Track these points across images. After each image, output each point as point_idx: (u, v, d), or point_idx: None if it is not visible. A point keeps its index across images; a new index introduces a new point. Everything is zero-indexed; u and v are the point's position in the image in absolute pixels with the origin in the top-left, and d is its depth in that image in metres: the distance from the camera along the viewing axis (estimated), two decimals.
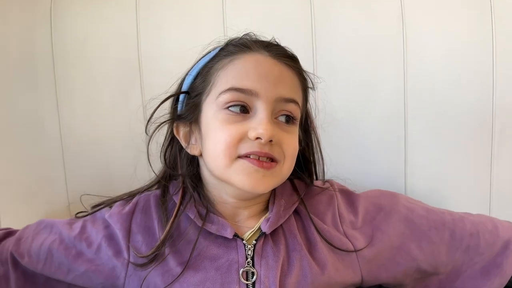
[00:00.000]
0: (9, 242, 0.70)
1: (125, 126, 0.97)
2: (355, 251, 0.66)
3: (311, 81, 0.70)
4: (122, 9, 0.97)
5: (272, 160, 0.62)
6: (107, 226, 0.68)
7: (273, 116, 0.62)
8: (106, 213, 0.70)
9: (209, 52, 0.69)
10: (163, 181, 0.70)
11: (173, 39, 0.97)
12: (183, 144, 0.68)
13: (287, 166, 0.64)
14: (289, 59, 0.65)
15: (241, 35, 0.69)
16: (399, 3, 0.97)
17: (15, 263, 0.68)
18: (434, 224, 0.70)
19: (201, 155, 0.66)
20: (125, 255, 0.65)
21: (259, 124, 0.60)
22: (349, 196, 0.71)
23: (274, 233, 0.65)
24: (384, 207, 0.70)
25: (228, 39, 0.69)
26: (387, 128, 0.99)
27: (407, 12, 0.97)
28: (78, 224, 0.69)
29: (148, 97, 0.96)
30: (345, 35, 0.98)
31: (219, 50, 0.67)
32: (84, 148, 0.98)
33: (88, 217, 0.71)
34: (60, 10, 0.96)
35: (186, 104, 0.67)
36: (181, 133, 0.68)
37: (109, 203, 0.72)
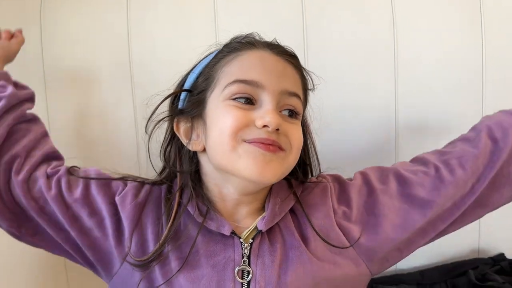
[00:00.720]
0: (22, 137, 0.68)
1: (116, 128, 0.97)
2: (351, 245, 0.66)
3: (311, 80, 0.72)
4: (113, 10, 0.97)
5: (279, 148, 0.62)
6: (113, 203, 0.66)
7: (277, 110, 0.63)
8: (117, 190, 0.67)
9: (212, 52, 0.70)
10: (166, 181, 0.69)
11: (165, 41, 0.97)
12: (184, 140, 0.67)
13: (294, 156, 0.64)
14: (290, 57, 0.67)
15: (245, 34, 0.70)
16: (390, 9, 0.97)
17: (9, 169, 0.65)
18: (433, 186, 0.68)
19: (203, 150, 0.66)
20: (127, 244, 0.64)
21: (265, 113, 0.60)
22: (342, 186, 0.71)
23: (270, 231, 0.65)
24: (375, 188, 0.69)
25: (232, 37, 0.70)
26: (379, 132, 1.00)
27: (398, 18, 0.98)
28: (79, 184, 0.66)
29: (139, 99, 0.96)
30: (336, 40, 0.98)
31: (223, 47, 0.68)
32: (73, 151, 0.97)
33: (92, 181, 0.67)
34: (50, 13, 0.96)
35: (189, 101, 0.67)
36: (181, 130, 0.68)
37: (120, 179, 0.69)
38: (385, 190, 0.69)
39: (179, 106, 0.69)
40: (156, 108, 0.67)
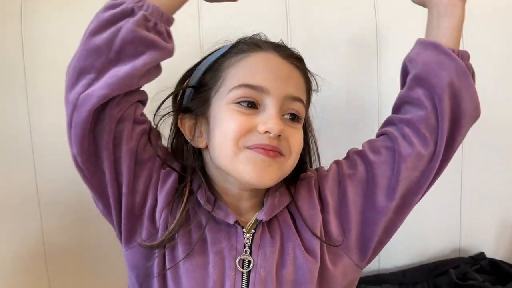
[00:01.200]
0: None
1: None
2: (337, 245, 0.67)
3: (316, 82, 0.73)
4: (95, 10, 0.95)
5: (279, 153, 0.63)
6: (160, 174, 0.66)
7: (280, 114, 0.64)
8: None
9: (218, 49, 0.70)
10: (180, 172, 0.68)
11: None
12: (188, 137, 0.68)
13: (292, 161, 0.66)
14: (296, 60, 0.68)
15: (252, 34, 0.71)
16: (373, 12, 0.98)
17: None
18: (394, 163, 0.68)
19: (206, 147, 0.67)
20: (157, 222, 0.65)
21: (268, 119, 0.62)
22: (320, 178, 0.72)
23: (270, 224, 0.67)
24: (345, 175, 0.70)
25: (238, 38, 0.71)
26: (362, 129, 1.00)
27: (380, 19, 0.98)
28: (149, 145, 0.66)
29: None
30: (321, 37, 0.99)
31: (230, 48, 0.69)
32: (55, 152, 0.96)
33: (160, 147, 0.67)
34: (31, 10, 0.94)
35: (194, 98, 0.68)
36: (186, 126, 0.68)
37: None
38: (353, 176, 0.70)
39: (184, 102, 0.70)
40: (162, 103, 0.68)
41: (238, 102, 0.63)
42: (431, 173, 0.68)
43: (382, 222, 0.68)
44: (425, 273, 1.03)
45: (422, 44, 0.69)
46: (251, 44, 0.67)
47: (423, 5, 0.72)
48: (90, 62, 0.57)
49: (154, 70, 0.62)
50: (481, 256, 1.05)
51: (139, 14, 0.58)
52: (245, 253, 0.65)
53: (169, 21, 0.62)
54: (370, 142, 0.73)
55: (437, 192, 1.04)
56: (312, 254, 0.66)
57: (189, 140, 0.68)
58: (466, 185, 1.05)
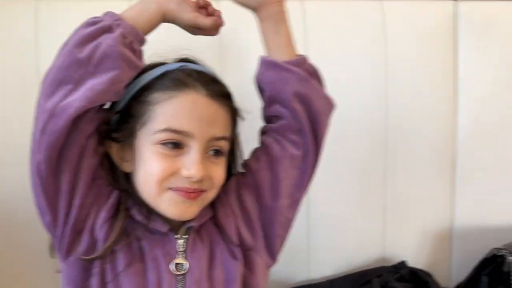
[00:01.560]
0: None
1: (24, 135, 0.91)
2: (250, 249, 0.73)
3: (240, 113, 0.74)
4: (21, 14, 0.93)
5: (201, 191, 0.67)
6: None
7: (204, 152, 0.67)
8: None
9: (148, 67, 0.70)
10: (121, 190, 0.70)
11: None
12: (116, 160, 0.70)
13: (213, 193, 0.70)
14: (224, 98, 0.69)
15: (179, 58, 0.73)
16: (302, 30, 1.01)
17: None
18: (273, 167, 0.73)
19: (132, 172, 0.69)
20: (97, 236, 0.66)
21: (192, 164, 0.65)
22: (226, 190, 0.75)
23: (199, 232, 0.71)
24: (240, 183, 0.75)
25: (164, 65, 0.70)
26: None
27: (310, 37, 1.02)
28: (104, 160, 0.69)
29: None
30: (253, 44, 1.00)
31: (155, 80, 0.68)
32: None
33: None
34: None
35: (120, 126, 0.69)
36: (113, 149, 0.69)
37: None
38: (246, 184, 0.75)
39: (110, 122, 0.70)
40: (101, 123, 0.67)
41: (163, 143, 0.65)
42: (308, 168, 0.74)
43: (277, 220, 0.74)
44: (351, 282, 1.06)
45: (264, 63, 0.74)
46: (178, 83, 0.67)
47: (252, 9, 0.75)
48: (70, 74, 0.61)
49: (124, 88, 0.66)
50: (402, 265, 1.09)
51: (118, 31, 0.63)
52: (181, 257, 0.68)
53: (142, 42, 0.67)
54: (252, 152, 0.78)
55: (362, 202, 1.09)
56: (235, 256, 0.71)
57: (117, 164, 0.69)
58: (389, 196, 1.09)
